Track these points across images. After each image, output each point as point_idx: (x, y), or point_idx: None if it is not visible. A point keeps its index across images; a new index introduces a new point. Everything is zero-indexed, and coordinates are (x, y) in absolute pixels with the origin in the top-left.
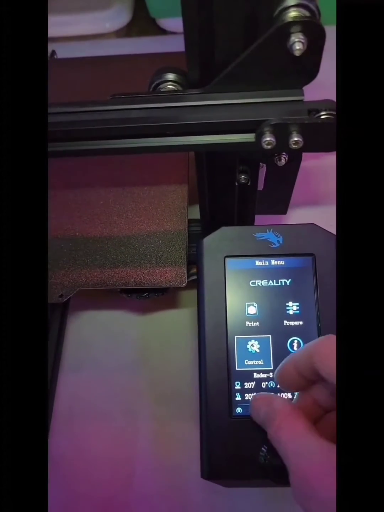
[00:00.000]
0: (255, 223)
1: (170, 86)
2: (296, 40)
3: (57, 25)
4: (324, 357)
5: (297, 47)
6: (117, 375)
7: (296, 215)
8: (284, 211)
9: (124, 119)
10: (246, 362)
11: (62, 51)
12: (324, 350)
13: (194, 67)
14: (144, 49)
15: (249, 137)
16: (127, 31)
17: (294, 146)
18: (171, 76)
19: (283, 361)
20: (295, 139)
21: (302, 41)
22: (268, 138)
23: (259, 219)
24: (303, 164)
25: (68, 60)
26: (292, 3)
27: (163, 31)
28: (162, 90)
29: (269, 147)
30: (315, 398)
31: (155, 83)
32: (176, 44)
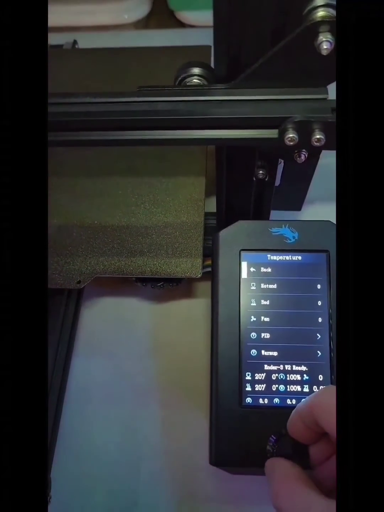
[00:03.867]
0: (270, 218)
1: (196, 80)
2: (324, 39)
3: (77, 13)
4: (324, 409)
5: (325, 47)
6: (128, 362)
7: (312, 212)
8: (299, 207)
9: (150, 111)
10: (257, 353)
11: (83, 42)
12: (324, 402)
13: (221, 62)
14: (163, 41)
15: (272, 133)
16: (146, 23)
17: (316, 143)
18: (197, 71)
19: (292, 413)
20: (318, 136)
21: (330, 40)
22: (291, 134)
23: (274, 214)
24: (320, 161)
25: (89, 50)
26: (321, 3)
27: (181, 24)
28: (188, 84)
29: (291, 143)
30: (324, 453)
31: (181, 77)
32: (195, 37)
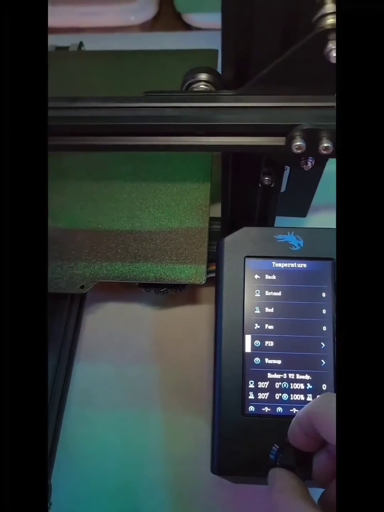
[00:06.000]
0: (275, 224)
1: (203, 86)
2: (333, 47)
3: (83, 15)
4: (321, 418)
5: (334, 54)
6: (131, 367)
7: (318, 219)
8: (304, 214)
9: (157, 117)
10: (261, 361)
11: (89, 43)
12: (322, 411)
13: (229, 67)
14: (170, 44)
15: (279, 140)
16: (152, 25)
17: (324, 151)
18: (204, 76)
19: (291, 422)
20: (325, 145)
21: None
22: (299, 142)
23: (278, 220)
24: (327, 167)
25: (95, 53)
26: (331, 10)
27: (188, 27)
28: (195, 89)
29: (299, 151)
30: (325, 461)
31: (189, 82)
32: (201, 40)
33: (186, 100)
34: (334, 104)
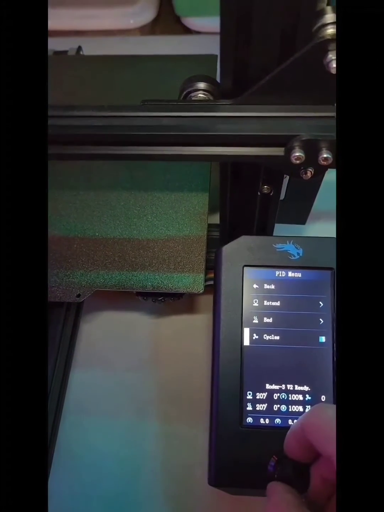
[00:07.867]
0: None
1: (201, 95)
2: (333, 57)
3: (82, 18)
4: (314, 429)
5: (334, 65)
6: (127, 375)
7: (318, 228)
8: (303, 221)
9: (155, 127)
10: (259, 372)
11: (88, 47)
12: (314, 422)
13: (227, 76)
14: (169, 47)
15: (278, 151)
16: (151, 28)
17: (323, 162)
18: (202, 85)
19: (287, 433)
20: (325, 155)
21: None
22: (298, 153)
23: (277, 227)
24: (327, 175)
25: (93, 57)
26: (331, 20)
27: (187, 30)
28: (193, 98)
29: (298, 162)
30: (321, 473)
31: (187, 91)
32: (201, 44)
33: (184, 109)
34: (333, 114)
